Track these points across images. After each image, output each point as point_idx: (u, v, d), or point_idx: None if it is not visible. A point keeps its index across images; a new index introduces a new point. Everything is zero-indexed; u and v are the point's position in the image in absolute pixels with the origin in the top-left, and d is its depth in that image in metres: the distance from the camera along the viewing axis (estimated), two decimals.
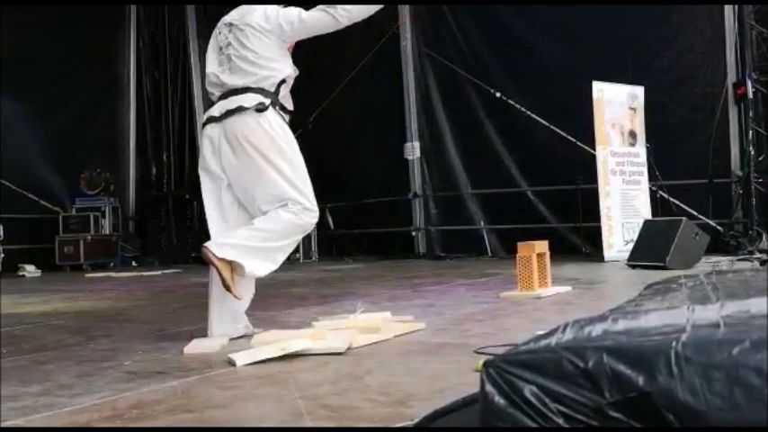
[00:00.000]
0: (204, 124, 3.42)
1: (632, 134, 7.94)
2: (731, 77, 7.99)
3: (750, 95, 7.80)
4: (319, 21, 3.42)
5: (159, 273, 8.85)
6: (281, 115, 3.36)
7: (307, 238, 10.16)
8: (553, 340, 0.95)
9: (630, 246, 6.96)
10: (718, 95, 8.03)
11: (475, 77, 9.33)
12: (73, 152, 10.62)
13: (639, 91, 7.95)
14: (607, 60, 8.11)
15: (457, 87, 9.54)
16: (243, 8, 3.49)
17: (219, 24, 3.51)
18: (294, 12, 3.41)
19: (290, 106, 3.46)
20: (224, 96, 3.35)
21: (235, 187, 3.33)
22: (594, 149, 7.75)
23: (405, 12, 10.01)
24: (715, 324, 0.89)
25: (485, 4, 9.25)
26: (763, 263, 5.77)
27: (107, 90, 11.70)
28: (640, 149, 7.97)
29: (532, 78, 8.82)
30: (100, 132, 11.44)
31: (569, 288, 4.89)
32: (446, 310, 4.08)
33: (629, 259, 6.64)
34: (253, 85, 3.30)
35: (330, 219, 10.67)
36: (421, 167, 9.99)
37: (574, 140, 8.38)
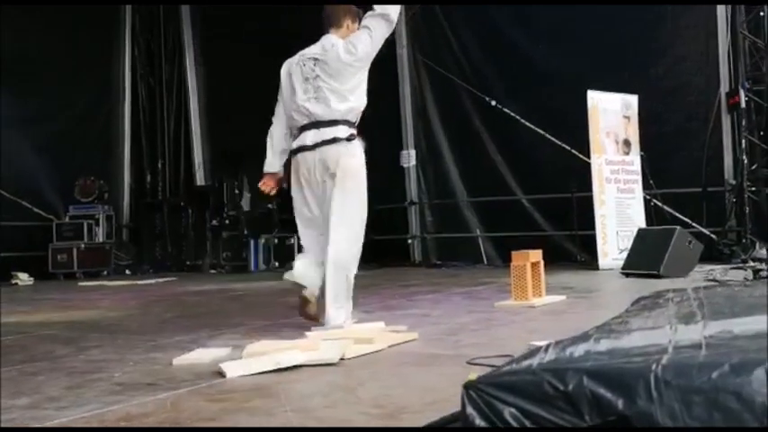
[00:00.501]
0: (296, 151, 3.88)
1: (627, 143, 7.96)
2: (724, 87, 8.02)
3: (743, 104, 7.83)
4: (382, 29, 3.84)
5: (153, 281, 8.82)
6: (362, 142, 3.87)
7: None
8: (535, 361, 0.95)
9: (625, 254, 6.97)
10: (711, 105, 8.05)
11: (471, 86, 9.35)
12: (67, 159, 10.58)
13: (634, 100, 7.97)
14: (602, 69, 8.14)
15: (453, 95, 9.55)
16: (324, 43, 3.89)
17: (303, 57, 3.94)
18: (365, 36, 3.83)
19: None
20: (314, 126, 3.80)
21: (319, 204, 3.87)
22: (589, 158, 7.76)
23: (401, 20, 10.02)
24: (697, 345, 0.89)
25: (479, 3, 9.26)
26: (756, 272, 5.77)
27: (102, 97, 11.68)
28: (635, 158, 7.98)
29: (528, 87, 8.85)
30: (94, 139, 11.41)
31: (564, 297, 4.89)
32: (440, 320, 4.08)
33: (624, 267, 6.65)
34: (340, 118, 3.79)
35: None
36: (417, 175, 9.99)
37: (569, 149, 8.39)
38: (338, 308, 3.76)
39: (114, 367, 2.99)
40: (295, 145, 3.89)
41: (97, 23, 11.32)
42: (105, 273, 10.33)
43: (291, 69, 3.96)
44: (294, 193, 3.98)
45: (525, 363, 0.96)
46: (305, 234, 4.01)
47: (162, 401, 2.34)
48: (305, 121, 3.83)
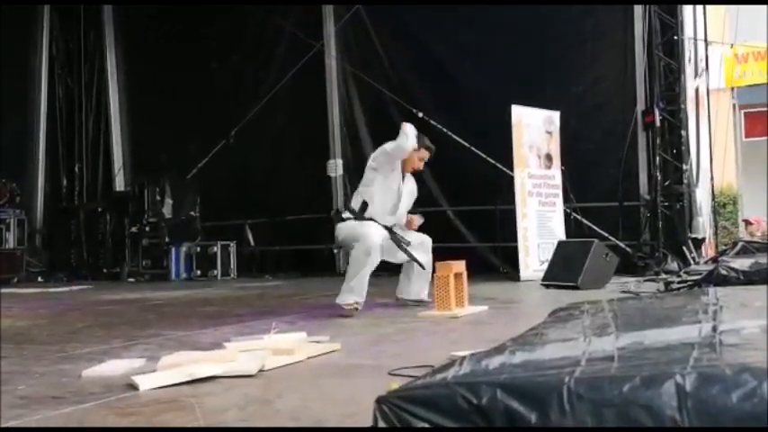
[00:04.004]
0: None
1: (548, 157, 8.16)
2: (640, 106, 8.35)
3: (658, 123, 8.17)
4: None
5: (67, 289, 8.47)
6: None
7: (225, 255, 9.96)
8: (449, 374, 0.93)
9: (545, 266, 7.13)
10: (628, 122, 8.38)
11: (398, 97, 9.41)
12: None
13: (556, 116, 8.20)
14: (525, 85, 8.34)
15: (380, 106, 9.58)
16: None
17: None
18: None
19: None
20: None
21: None
22: (513, 171, 7.92)
23: (329, 30, 10.03)
24: (609, 357, 0.89)
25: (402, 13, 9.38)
26: (668, 284, 6.00)
27: (15, 97, 11.18)
28: (556, 172, 8.19)
29: (454, 100, 8.98)
30: (6, 140, 10.90)
31: (486, 308, 4.96)
32: (363, 330, 4.06)
33: (544, 279, 6.79)
34: None
35: (250, 235, 10.49)
36: (344, 185, 9.97)
37: (493, 162, 8.54)
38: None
39: (18, 380, 2.83)
40: None
41: (13, 22, 10.85)
42: (16, 280, 9.86)
43: None
44: None
45: (439, 376, 0.95)
46: None
47: (67, 416, 2.22)
48: None
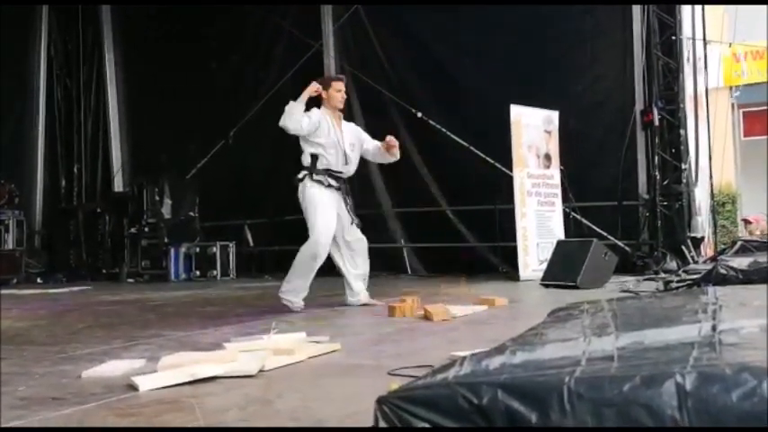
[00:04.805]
0: None
1: (547, 157, 8.17)
2: (639, 105, 8.36)
3: (656, 122, 8.18)
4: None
5: (66, 290, 8.45)
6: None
7: (225, 255, 9.96)
8: (450, 374, 0.94)
9: (545, 265, 7.13)
10: (627, 122, 8.38)
11: (397, 97, 9.41)
12: None
13: (555, 115, 8.20)
14: (525, 85, 8.35)
15: (379, 106, 9.58)
16: None
17: None
18: None
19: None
20: None
21: None
22: (512, 171, 7.92)
23: (328, 29, 10.02)
24: (609, 357, 0.90)
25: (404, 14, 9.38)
26: (666, 283, 6.00)
27: (14, 97, 11.17)
28: (555, 172, 8.20)
29: (453, 100, 8.98)
30: (5, 141, 10.90)
31: (485, 307, 4.95)
32: (363, 330, 4.06)
33: (543, 279, 6.80)
34: None
35: (249, 235, 10.49)
36: None
37: (492, 162, 8.55)
38: None
39: (18, 381, 2.82)
40: None
41: (12, 23, 10.83)
42: (15, 281, 9.84)
43: None
44: None
45: (440, 376, 0.95)
46: None
47: (68, 416, 2.22)
48: None
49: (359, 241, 5.40)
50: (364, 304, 5.29)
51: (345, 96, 5.44)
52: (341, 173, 5.32)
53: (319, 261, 5.17)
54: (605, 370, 0.87)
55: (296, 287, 5.18)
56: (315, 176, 5.18)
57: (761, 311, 1.59)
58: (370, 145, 5.55)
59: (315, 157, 5.19)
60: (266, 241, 10.32)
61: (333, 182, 5.24)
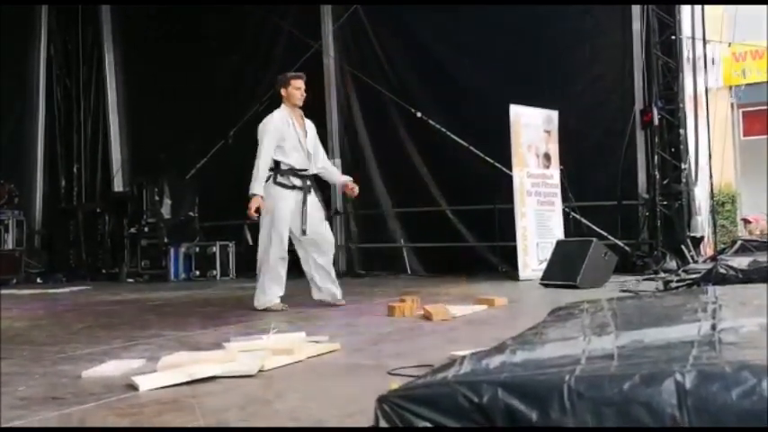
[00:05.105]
0: None
1: (547, 156, 8.17)
2: (639, 105, 8.36)
3: (656, 122, 8.18)
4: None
5: (66, 290, 8.45)
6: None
7: (224, 255, 9.95)
8: (450, 373, 0.94)
9: (544, 265, 7.13)
10: (627, 122, 8.38)
11: (397, 97, 9.41)
12: None
13: (554, 115, 8.20)
14: (524, 85, 8.35)
15: (379, 106, 9.59)
16: None
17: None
18: None
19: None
20: None
21: None
22: (511, 171, 7.93)
23: (328, 29, 10.02)
24: (609, 356, 0.90)
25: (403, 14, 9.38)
26: (666, 282, 6.00)
27: (14, 97, 11.16)
28: (554, 171, 8.20)
29: (453, 100, 8.99)
30: (5, 141, 10.89)
31: (485, 307, 4.95)
32: (362, 330, 4.05)
33: (543, 278, 6.80)
34: None
35: (249, 235, 10.47)
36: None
37: (492, 161, 8.55)
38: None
39: (18, 381, 2.83)
40: None
41: (12, 22, 10.82)
42: (14, 281, 9.83)
43: None
44: None
45: (440, 375, 0.95)
46: None
47: (67, 416, 2.22)
48: None
49: (320, 235, 5.45)
50: (331, 303, 5.37)
51: (305, 94, 5.45)
52: (305, 170, 5.37)
53: (284, 262, 5.36)
54: (605, 369, 0.87)
55: (265, 290, 5.33)
56: (278, 178, 5.31)
57: (760, 310, 1.59)
58: (327, 164, 5.83)
59: (277, 163, 5.34)
60: None
61: (297, 181, 5.32)
